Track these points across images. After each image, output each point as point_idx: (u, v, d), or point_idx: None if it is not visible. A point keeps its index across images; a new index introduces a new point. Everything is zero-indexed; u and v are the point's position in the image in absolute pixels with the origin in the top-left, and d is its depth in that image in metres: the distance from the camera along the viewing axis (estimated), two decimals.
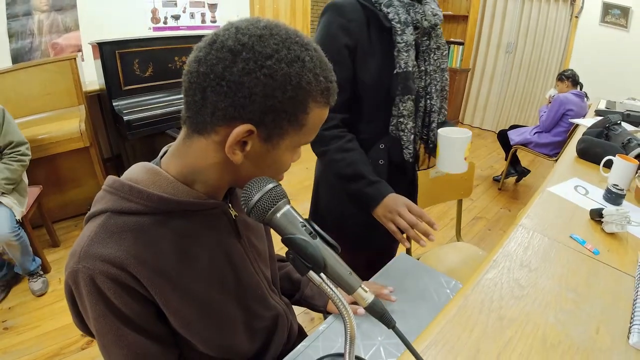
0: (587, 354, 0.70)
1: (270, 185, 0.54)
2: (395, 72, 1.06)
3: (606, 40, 4.17)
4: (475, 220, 3.09)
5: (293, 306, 0.98)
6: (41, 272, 2.18)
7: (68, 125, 2.46)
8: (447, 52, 1.20)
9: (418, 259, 1.37)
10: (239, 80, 0.50)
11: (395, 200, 1.00)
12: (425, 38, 1.12)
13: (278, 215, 0.53)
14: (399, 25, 1.02)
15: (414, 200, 1.41)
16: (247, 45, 0.51)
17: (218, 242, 0.66)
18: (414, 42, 1.06)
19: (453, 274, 1.35)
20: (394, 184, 1.09)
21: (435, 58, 1.15)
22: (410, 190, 1.38)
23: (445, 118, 1.26)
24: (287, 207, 0.54)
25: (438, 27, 1.14)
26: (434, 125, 1.20)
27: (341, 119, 1.09)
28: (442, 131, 1.12)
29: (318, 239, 0.53)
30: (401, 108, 1.09)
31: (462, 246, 1.77)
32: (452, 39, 5.25)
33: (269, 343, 0.80)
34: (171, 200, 0.58)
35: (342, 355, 0.66)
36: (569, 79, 3.29)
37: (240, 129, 0.52)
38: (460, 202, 1.86)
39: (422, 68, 1.13)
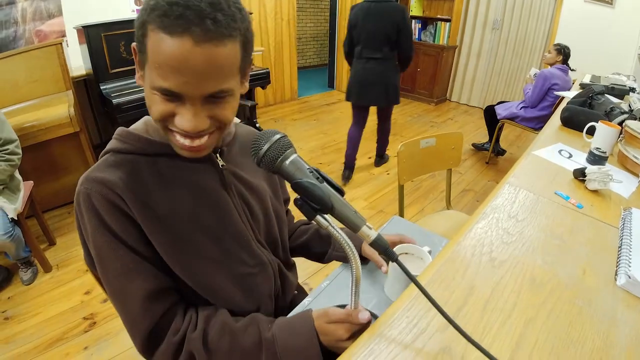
0: (576, 291, 0.75)
1: (277, 136, 0.57)
2: None
3: (591, 17, 4.19)
4: (464, 193, 3.16)
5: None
6: (32, 260, 2.11)
7: (57, 111, 2.42)
8: None
9: None
10: None
11: None
12: None
13: (287, 162, 0.57)
14: None
15: None
16: None
17: (203, 187, 0.72)
18: None
19: (445, 237, 1.40)
20: None
21: None
22: None
23: None
24: (295, 155, 0.58)
25: None
26: None
27: None
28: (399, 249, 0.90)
29: (324, 183, 0.57)
30: None
31: (452, 214, 1.82)
32: (439, 16, 5.26)
33: (257, 292, 0.82)
34: (156, 142, 0.69)
35: (345, 306, 0.70)
36: (561, 52, 3.25)
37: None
38: (449, 172, 1.91)
39: None
